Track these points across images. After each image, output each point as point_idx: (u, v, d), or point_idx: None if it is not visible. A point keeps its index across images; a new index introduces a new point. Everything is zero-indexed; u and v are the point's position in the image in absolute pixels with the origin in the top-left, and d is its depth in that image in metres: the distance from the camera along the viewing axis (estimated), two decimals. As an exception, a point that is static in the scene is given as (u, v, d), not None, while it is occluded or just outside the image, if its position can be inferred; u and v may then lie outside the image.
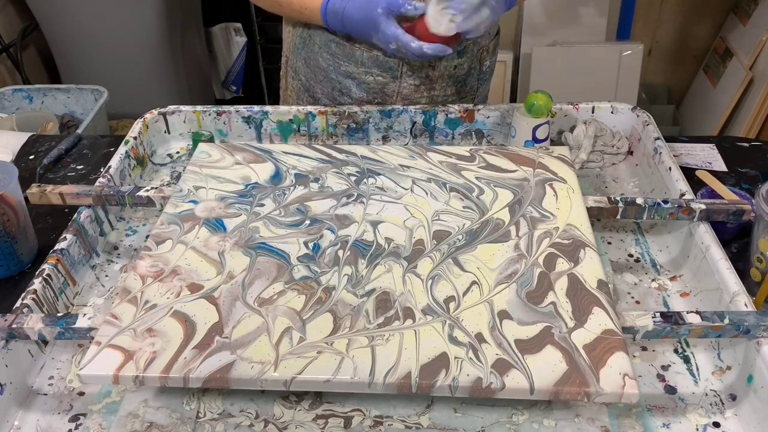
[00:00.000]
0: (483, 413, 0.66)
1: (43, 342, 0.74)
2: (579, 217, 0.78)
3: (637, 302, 0.79)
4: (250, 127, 1.07)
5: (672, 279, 0.82)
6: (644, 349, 0.73)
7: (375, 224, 0.78)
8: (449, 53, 0.91)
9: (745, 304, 0.69)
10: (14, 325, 0.67)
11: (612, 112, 1.05)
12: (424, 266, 0.72)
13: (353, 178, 0.86)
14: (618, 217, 0.83)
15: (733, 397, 0.68)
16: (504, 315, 0.65)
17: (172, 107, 1.08)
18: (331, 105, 1.08)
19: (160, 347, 0.63)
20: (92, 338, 0.64)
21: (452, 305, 0.67)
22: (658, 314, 0.66)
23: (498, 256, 0.73)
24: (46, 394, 0.70)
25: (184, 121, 1.08)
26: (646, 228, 0.91)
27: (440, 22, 0.88)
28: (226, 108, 1.07)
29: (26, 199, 0.86)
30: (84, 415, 0.68)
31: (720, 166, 1.02)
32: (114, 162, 0.95)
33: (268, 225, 0.78)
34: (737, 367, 0.69)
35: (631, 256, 0.86)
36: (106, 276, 0.85)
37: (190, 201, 0.82)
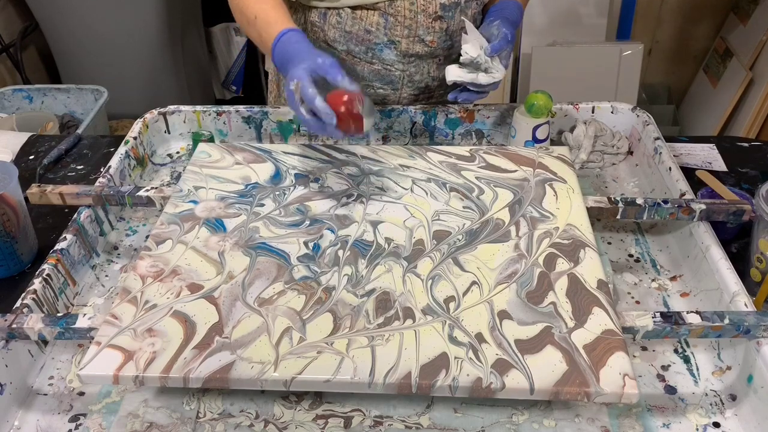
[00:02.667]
0: (483, 413, 0.66)
1: (43, 342, 0.74)
2: (579, 217, 0.78)
3: (637, 302, 0.79)
4: (250, 127, 1.07)
5: (672, 279, 0.82)
6: (644, 349, 0.73)
7: (375, 224, 0.78)
8: (336, 136, 0.79)
9: (745, 304, 0.69)
10: (14, 325, 0.67)
11: (612, 112, 1.05)
12: (424, 266, 0.72)
13: (353, 178, 0.86)
14: (618, 217, 0.83)
15: (733, 397, 0.67)
16: (504, 315, 0.65)
17: (172, 107, 1.08)
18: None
19: (160, 347, 0.63)
20: (92, 338, 0.64)
21: (452, 305, 0.67)
22: (658, 314, 0.66)
23: (498, 256, 0.73)
24: (46, 394, 0.70)
25: (184, 121, 1.08)
26: (646, 228, 0.91)
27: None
28: (226, 108, 1.07)
29: (26, 199, 0.86)
30: (84, 415, 0.68)
31: (720, 166, 1.02)
32: (114, 162, 0.95)
33: (268, 225, 0.78)
34: (737, 367, 0.69)
35: (631, 256, 0.86)
36: (106, 276, 0.85)
37: (190, 201, 0.82)
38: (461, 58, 0.90)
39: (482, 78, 0.89)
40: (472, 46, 0.89)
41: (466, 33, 0.89)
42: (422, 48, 0.98)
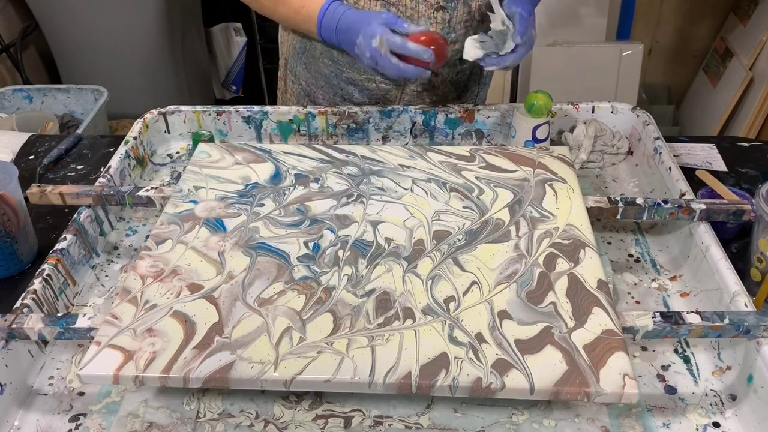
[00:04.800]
0: (483, 413, 0.66)
1: (43, 342, 0.74)
2: (579, 217, 0.78)
3: (637, 302, 0.79)
4: (250, 127, 1.07)
5: (672, 279, 0.82)
6: (644, 349, 0.73)
7: (375, 224, 0.78)
8: (426, 75, 0.91)
9: (745, 304, 0.69)
10: (14, 325, 0.67)
11: (612, 112, 1.05)
12: (424, 266, 0.72)
13: (353, 178, 0.86)
14: (618, 217, 0.83)
15: (733, 397, 0.67)
16: (504, 315, 0.65)
17: (172, 107, 1.08)
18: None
19: (160, 347, 0.63)
20: (92, 338, 0.64)
21: (452, 305, 0.67)
22: (658, 314, 0.66)
23: (498, 256, 0.73)
24: (46, 394, 0.70)
25: (184, 121, 1.08)
26: (646, 228, 0.91)
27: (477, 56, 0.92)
28: (226, 108, 1.07)
29: (26, 199, 0.86)
30: (84, 415, 0.68)
31: (720, 166, 1.02)
32: (114, 162, 0.95)
33: (268, 225, 0.78)
34: (737, 367, 0.69)
35: (631, 256, 0.86)
36: (106, 276, 0.85)
37: (190, 201, 0.82)
38: (489, 31, 0.92)
39: (507, 46, 0.90)
40: (495, 20, 0.90)
41: (492, 11, 0.91)
42: None
